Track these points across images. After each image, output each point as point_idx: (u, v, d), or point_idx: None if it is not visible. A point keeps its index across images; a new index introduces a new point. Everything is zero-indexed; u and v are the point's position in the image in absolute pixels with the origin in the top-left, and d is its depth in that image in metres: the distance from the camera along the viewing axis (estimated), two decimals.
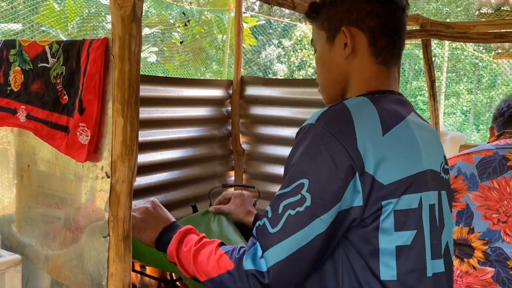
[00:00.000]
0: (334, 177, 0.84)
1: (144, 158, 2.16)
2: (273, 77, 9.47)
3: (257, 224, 0.91)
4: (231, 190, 1.50)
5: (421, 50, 3.30)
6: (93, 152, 0.97)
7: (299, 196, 0.85)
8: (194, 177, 2.48)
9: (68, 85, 1.04)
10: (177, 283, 1.85)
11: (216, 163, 2.65)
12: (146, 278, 1.87)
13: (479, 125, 9.04)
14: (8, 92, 1.21)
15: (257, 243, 0.89)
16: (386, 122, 0.90)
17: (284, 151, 2.57)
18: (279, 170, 2.60)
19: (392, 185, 0.86)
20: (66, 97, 1.05)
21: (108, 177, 0.94)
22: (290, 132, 2.55)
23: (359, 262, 0.88)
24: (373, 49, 0.98)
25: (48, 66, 1.09)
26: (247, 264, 0.88)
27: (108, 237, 0.94)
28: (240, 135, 2.72)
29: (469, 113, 9.37)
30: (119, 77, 0.91)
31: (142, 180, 2.15)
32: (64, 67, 1.04)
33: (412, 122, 0.96)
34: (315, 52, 1.07)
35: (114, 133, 0.93)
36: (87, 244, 1.00)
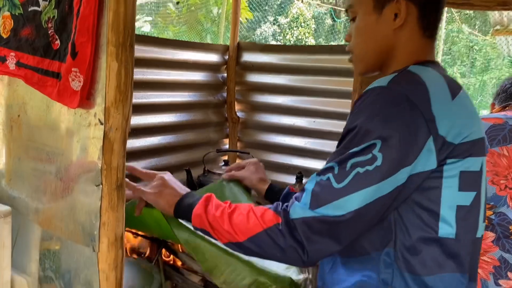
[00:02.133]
0: (408, 140, 0.83)
1: (138, 120, 2.13)
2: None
3: (317, 178, 0.90)
4: (244, 160, 1.52)
5: None
6: (86, 98, 0.94)
7: (370, 155, 0.84)
8: (189, 143, 2.45)
9: (60, 29, 1.00)
10: (169, 243, 1.84)
11: (210, 130, 2.62)
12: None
13: None
14: None
15: (309, 196, 0.88)
16: (453, 88, 0.91)
17: (280, 119, 2.54)
18: (274, 138, 2.58)
19: (461, 146, 0.87)
20: (58, 42, 1.01)
21: (102, 124, 0.91)
22: (286, 100, 2.52)
23: (416, 222, 0.88)
24: (422, 22, 0.97)
25: (39, 9, 1.04)
26: (298, 213, 0.88)
27: (101, 186, 0.92)
28: (236, 103, 2.69)
29: None
30: (114, 19, 0.87)
31: (135, 143, 2.12)
32: (56, 10, 1.00)
33: (466, 92, 0.98)
34: (351, 20, 1.04)
35: (108, 78, 0.89)
36: (79, 194, 0.98)
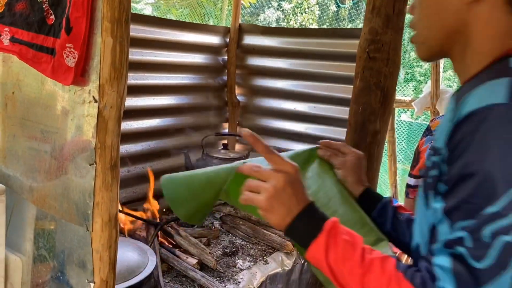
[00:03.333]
0: None
1: (136, 102, 2.11)
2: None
3: (447, 251, 0.66)
4: (350, 147, 1.16)
5: None
6: (80, 75, 0.91)
7: None
8: (187, 126, 2.44)
9: (55, 3, 0.97)
10: (165, 226, 1.84)
11: (210, 113, 2.61)
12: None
13: None
14: None
15: (453, 279, 0.64)
16: None
17: (280, 104, 2.52)
18: (274, 123, 2.57)
19: None
20: (52, 17, 0.98)
21: (96, 101, 0.89)
22: (287, 84, 2.49)
23: None
24: None
25: None
26: None
27: (95, 165, 0.90)
28: (236, 86, 2.67)
29: None
30: None
31: (133, 124, 2.10)
32: None
33: None
34: None
35: (103, 54, 0.87)
36: (73, 173, 0.96)
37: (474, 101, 0.65)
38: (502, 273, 0.61)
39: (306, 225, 0.79)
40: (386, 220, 1.06)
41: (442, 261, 0.66)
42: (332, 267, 0.75)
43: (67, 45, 0.92)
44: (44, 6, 0.99)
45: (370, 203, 1.09)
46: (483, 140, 0.63)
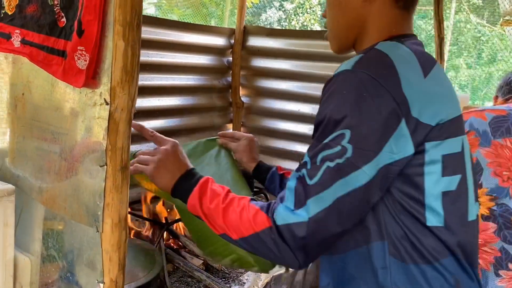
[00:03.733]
0: (378, 126, 0.79)
1: (141, 103, 2.12)
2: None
3: (296, 174, 0.86)
4: (242, 132, 1.52)
5: (426, 20, 3.18)
6: (92, 77, 0.92)
7: (339, 147, 0.80)
8: (192, 127, 2.45)
9: (66, 6, 0.98)
10: (170, 227, 1.85)
11: (214, 114, 2.61)
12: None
13: (475, 100, 9.02)
14: (2, 15, 1.14)
15: (292, 195, 0.84)
16: (425, 64, 0.86)
17: (285, 105, 2.53)
18: (278, 124, 2.57)
19: (438, 127, 0.82)
20: (64, 19, 0.99)
21: (107, 104, 0.90)
22: (291, 86, 2.50)
23: (402, 211, 0.84)
24: None
25: None
26: (282, 219, 0.84)
27: (105, 166, 0.91)
28: (240, 87, 2.67)
29: (467, 88, 9.32)
30: None
31: None
32: None
33: (440, 65, 0.94)
34: None
35: (114, 58, 0.88)
36: (83, 174, 0.97)
37: (340, 68, 0.86)
38: (323, 190, 0.80)
39: (186, 184, 1.01)
40: (276, 186, 1.30)
41: (291, 183, 0.86)
42: (204, 210, 0.96)
43: (78, 47, 0.93)
44: (55, 9, 1.00)
45: (263, 174, 1.34)
46: (330, 95, 0.84)
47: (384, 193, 0.84)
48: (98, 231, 0.94)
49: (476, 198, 0.94)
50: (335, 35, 1.00)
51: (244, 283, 1.68)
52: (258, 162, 1.38)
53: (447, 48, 8.10)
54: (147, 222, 1.85)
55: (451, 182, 0.86)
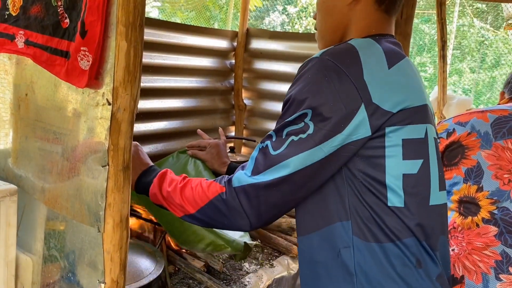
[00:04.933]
0: (338, 108, 0.86)
1: (144, 104, 2.12)
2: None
3: (259, 145, 0.95)
4: (207, 138, 1.60)
5: (430, 24, 3.16)
6: (94, 78, 0.93)
7: (302, 124, 0.88)
8: (194, 129, 2.44)
9: (70, 7, 0.98)
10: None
11: (217, 117, 2.62)
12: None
13: (479, 105, 8.99)
14: (6, 16, 1.15)
15: (253, 163, 0.93)
16: (391, 57, 0.92)
17: None
18: None
19: (399, 114, 0.88)
20: (67, 20, 0.99)
21: (109, 104, 0.90)
22: None
23: (367, 192, 0.90)
24: None
25: None
26: (239, 181, 0.93)
27: (107, 166, 0.91)
28: (243, 90, 2.68)
29: (470, 92, 9.30)
30: None
31: (141, 127, 2.12)
32: None
33: (410, 62, 0.99)
34: None
35: (117, 58, 0.88)
36: (85, 174, 0.97)
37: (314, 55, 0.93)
38: (285, 160, 0.88)
39: (147, 178, 1.09)
40: None
41: (253, 153, 0.95)
42: (163, 194, 1.04)
43: (81, 48, 0.94)
44: (59, 10, 1.01)
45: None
46: (298, 78, 0.92)
47: (347, 171, 0.90)
48: (99, 231, 0.94)
49: (443, 187, 0.98)
50: (323, 36, 1.07)
51: (246, 285, 1.68)
52: (229, 164, 1.47)
53: (450, 52, 8.09)
54: (148, 223, 1.85)
55: (413, 166, 0.90)
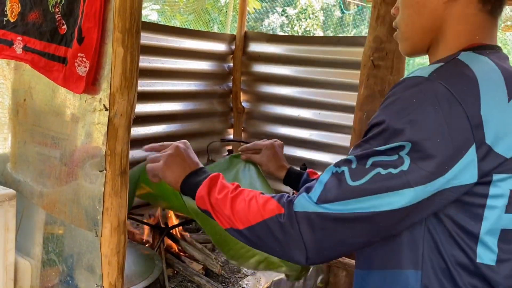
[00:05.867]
0: (445, 146, 0.70)
1: (143, 108, 2.13)
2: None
3: (333, 169, 0.78)
4: (261, 141, 1.39)
5: None
6: (91, 84, 0.94)
7: (396, 156, 0.72)
8: (193, 132, 2.46)
9: (67, 14, 0.99)
10: (170, 231, 1.85)
11: (215, 120, 2.63)
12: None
13: None
14: (4, 23, 1.16)
15: (321, 188, 0.77)
16: (511, 85, 0.75)
17: (285, 110, 2.54)
18: (279, 129, 2.59)
19: None
20: (64, 27, 1.00)
21: (106, 110, 0.91)
22: (291, 91, 2.51)
23: (450, 242, 0.75)
24: None
25: None
26: (302, 206, 0.78)
27: (105, 171, 0.92)
28: (241, 93, 2.69)
29: None
30: (121, 4, 0.87)
31: (140, 130, 2.13)
32: None
33: None
34: None
35: (114, 64, 0.89)
36: (83, 179, 0.98)
37: (410, 73, 0.77)
38: (364, 196, 0.73)
39: (196, 179, 0.97)
40: None
41: (323, 176, 0.79)
42: (211, 201, 0.91)
43: (78, 54, 0.95)
44: (56, 16, 1.02)
45: (295, 181, 1.29)
46: (394, 99, 0.75)
47: (428, 218, 0.76)
48: (97, 235, 0.95)
49: None
50: (408, 36, 0.88)
51: (244, 287, 1.68)
52: (288, 169, 1.31)
53: None
54: (146, 226, 1.86)
55: None
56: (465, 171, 0.71)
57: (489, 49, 0.81)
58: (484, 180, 0.72)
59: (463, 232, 0.75)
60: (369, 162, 0.74)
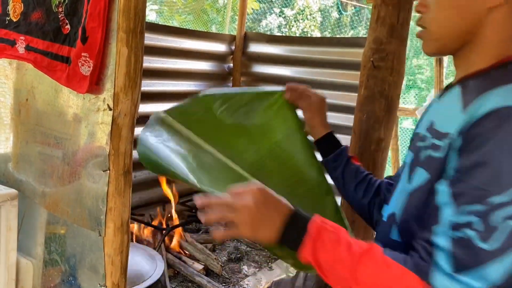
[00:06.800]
0: None
1: (143, 108, 2.13)
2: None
3: (450, 234, 0.69)
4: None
5: None
6: (95, 83, 0.94)
7: None
8: None
9: (70, 13, 0.99)
10: (171, 232, 1.85)
11: None
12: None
13: None
14: (7, 22, 1.16)
15: (450, 258, 0.69)
16: None
17: None
18: None
19: None
20: (68, 26, 1.00)
21: (110, 109, 0.91)
22: None
23: None
24: None
25: None
26: (443, 284, 0.68)
27: (108, 171, 0.92)
28: None
29: None
30: (125, 4, 0.87)
31: (139, 131, 2.12)
32: None
33: None
34: None
35: (118, 64, 0.89)
36: (86, 178, 0.98)
37: (497, 100, 0.69)
38: (505, 255, 0.65)
39: (293, 233, 0.80)
40: (339, 166, 1.16)
41: (442, 242, 0.70)
42: (321, 266, 0.77)
43: (82, 54, 0.95)
44: (60, 16, 1.02)
45: (330, 147, 1.18)
46: (503, 136, 0.66)
47: None
48: (100, 235, 0.95)
49: None
50: (440, 37, 0.84)
51: (245, 287, 1.68)
52: (331, 131, 1.19)
53: (446, 59, 8.10)
54: (147, 227, 1.86)
55: None
56: None
57: None
58: None
59: None
60: (496, 218, 0.66)
